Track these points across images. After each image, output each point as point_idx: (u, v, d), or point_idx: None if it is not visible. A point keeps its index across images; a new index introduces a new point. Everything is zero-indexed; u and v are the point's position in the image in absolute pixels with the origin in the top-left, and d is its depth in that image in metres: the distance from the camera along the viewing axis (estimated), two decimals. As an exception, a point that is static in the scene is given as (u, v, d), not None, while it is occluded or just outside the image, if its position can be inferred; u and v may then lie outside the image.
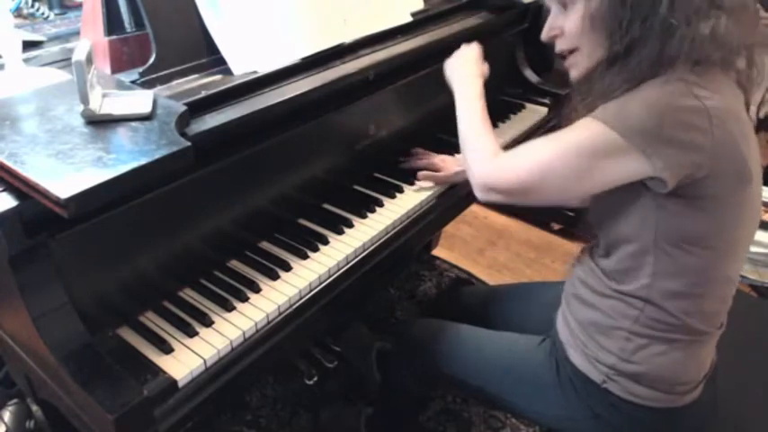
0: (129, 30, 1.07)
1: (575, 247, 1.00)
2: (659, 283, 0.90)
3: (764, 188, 1.91)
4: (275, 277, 1.00)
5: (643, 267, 0.90)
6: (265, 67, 1.04)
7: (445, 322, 1.20)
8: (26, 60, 1.08)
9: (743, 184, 0.86)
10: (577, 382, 0.99)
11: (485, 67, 1.18)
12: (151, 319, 0.92)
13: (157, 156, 0.74)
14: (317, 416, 1.55)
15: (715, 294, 0.92)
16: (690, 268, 0.89)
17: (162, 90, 0.94)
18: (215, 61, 1.04)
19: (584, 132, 0.84)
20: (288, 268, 1.02)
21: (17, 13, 1.37)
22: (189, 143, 0.77)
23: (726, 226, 0.87)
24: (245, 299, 0.96)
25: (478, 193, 0.99)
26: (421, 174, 1.27)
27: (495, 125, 1.53)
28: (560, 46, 0.96)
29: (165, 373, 0.82)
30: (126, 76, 0.98)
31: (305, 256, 1.05)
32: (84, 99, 0.79)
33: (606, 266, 0.96)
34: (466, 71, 1.14)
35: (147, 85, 0.95)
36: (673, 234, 0.87)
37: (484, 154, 0.98)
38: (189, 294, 0.97)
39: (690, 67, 0.82)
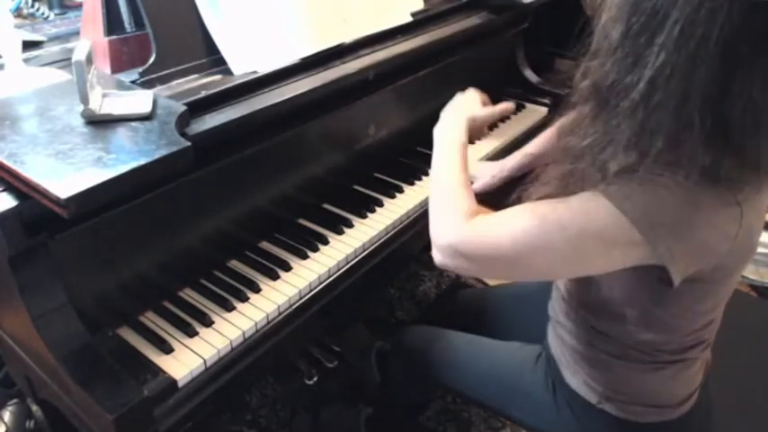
0: (129, 30, 1.07)
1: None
2: (636, 334, 0.86)
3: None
4: (275, 277, 1.00)
5: (621, 320, 0.86)
6: (265, 67, 1.04)
7: (440, 330, 1.18)
8: (26, 60, 1.08)
9: (743, 264, 0.80)
10: (573, 402, 0.97)
11: (487, 111, 1.04)
12: (151, 319, 0.92)
13: (157, 156, 0.74)
14: (317, 416, 1.55)
15: (698, 338, 0.89)
16: (670, 326, 0.85)
17: (162, 90, 0.94)
18: (215, 61, 1.03)
19: (593, 215, 0.70)
20: (288, 268, 1.02)
21: (17, 13, 1.37)
22: (189, 143, 0.77)
23: (717, 299, 0.84)
24: (245, 299, 0.96)
25: (438, 256, 0.82)
26: None
27: (495, 125, 1.54)
28: None
29: (164, 372, 0.82)
30: (126, 76, 0.98)
31: (305, 256, 1.05)
32: (84, 99, 0.79)
33: (581, 302, 0.92)
34: (452, 115, 1.02)
35: (147, 85, 0.95)
36: (657, 301, 0.81)
37: (457, 210, 0.82)
38: (189, 294, 0.97)
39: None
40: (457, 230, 0.80)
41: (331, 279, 1.03)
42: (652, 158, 0.65)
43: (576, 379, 0.97)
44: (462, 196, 0.84)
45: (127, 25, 1.07)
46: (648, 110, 0.64)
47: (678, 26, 0.60)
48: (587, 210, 0.71)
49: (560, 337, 0.98)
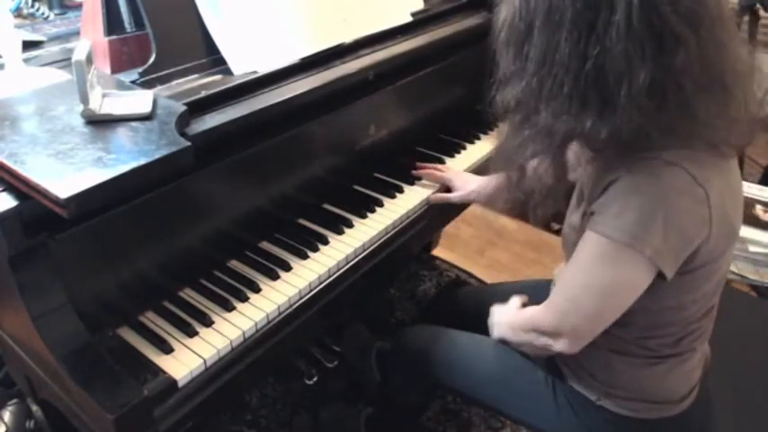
0: (129, 30, 1.07)
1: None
2: (637, 330, 0.88)
3: (764, 188, 1.92)
4: (275, 277, 1.00)
5: (626, 323, 0.87)
6: (265, 67, 1.04)
7: (441, 330, 1.18)
8: (26, 60, 1.08)
9: (728, 248, 0.83)
10: (573, 401, 0.98)
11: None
12: (151, 319, 0.92)
13: (157, 156, 0.74)
14: (316, 416, 1.55)
15: (696, 329, 0.90)
16: (668, 319, 0.87)
17: (162, 90, 0.94)
18: (215, 61, 1.04)
19: (592, 250, 0.80)
20: (288, 268, 1.02)
21: (17, 13, 1.37)
22: (189, 143, 0.77)
23: (709, 286, 0.85)
24: (245, 299, 0.96)
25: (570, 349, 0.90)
26: (434, 196, 1.25)
27: (495, 126, 1.54)
28: None
29: (164, 372, 0.82)
30: (126, 76, 0.98)
31: (305, 256, 1.05)
32: (84, 99, 0.79)
33: None
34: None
35: (147, 85, 0.95)
36: (653, 295, 0.83)
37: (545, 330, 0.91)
38: (189, 294, 0.97)
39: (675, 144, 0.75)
40: (550, 325, 0.89)
41: (331, 279, 1.03)
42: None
43: (575, 376, 0.97)
44: (528, 329, 0.93)
45: (127, 25, 1.07)
46: (542, 102, 0.75)
47: (539, 20, 0.72)
48: (588, 249, 0.80)
49: None
